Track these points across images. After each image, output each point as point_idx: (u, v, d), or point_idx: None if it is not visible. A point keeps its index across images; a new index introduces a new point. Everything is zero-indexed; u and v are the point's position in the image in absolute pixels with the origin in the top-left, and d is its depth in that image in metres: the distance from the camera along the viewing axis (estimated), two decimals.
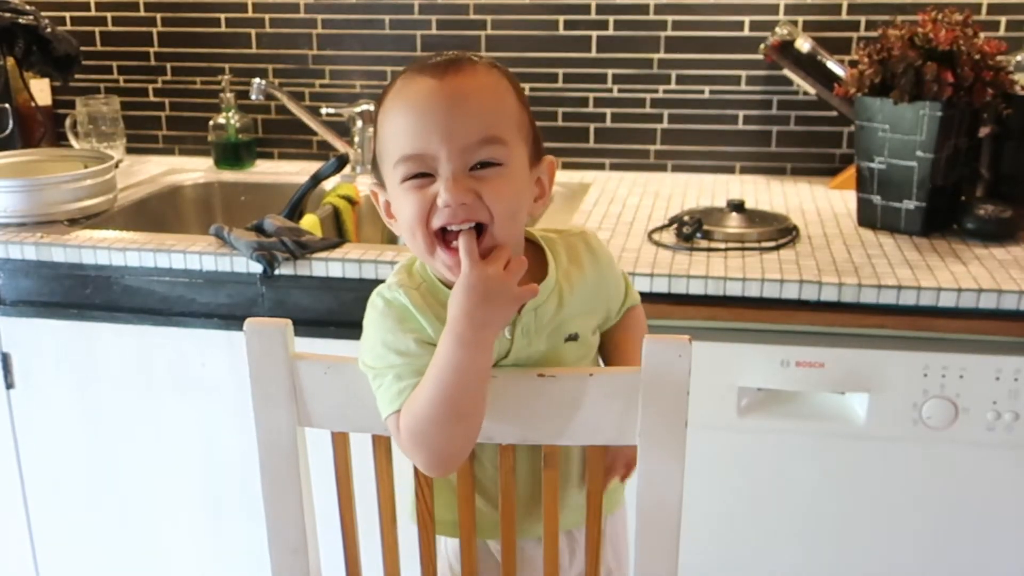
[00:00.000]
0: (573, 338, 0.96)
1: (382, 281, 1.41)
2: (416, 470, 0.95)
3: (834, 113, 1.85)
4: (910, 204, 1.51)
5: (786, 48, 1.79)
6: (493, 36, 1.95)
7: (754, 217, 1.55)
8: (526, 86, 1.94)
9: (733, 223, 1.52)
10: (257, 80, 1.93)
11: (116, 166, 1.77)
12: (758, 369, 1.35)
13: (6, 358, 1.60)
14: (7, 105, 1.90)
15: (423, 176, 0.86)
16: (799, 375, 1.35)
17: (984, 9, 1.78)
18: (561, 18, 1.92)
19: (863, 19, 1.82)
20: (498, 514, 0.96)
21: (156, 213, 1.88)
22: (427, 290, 0.93)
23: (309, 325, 1.45)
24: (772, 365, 1.35)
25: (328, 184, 1.86)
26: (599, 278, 0.99)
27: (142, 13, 2.07)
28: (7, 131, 1.90)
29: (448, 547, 1.04)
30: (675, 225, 1.50)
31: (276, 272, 1.44)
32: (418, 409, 0.87)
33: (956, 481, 1.38)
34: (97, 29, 2.10)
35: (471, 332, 0.84)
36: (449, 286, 0.91)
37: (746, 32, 1.86)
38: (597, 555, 0.96)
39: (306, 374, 0.94)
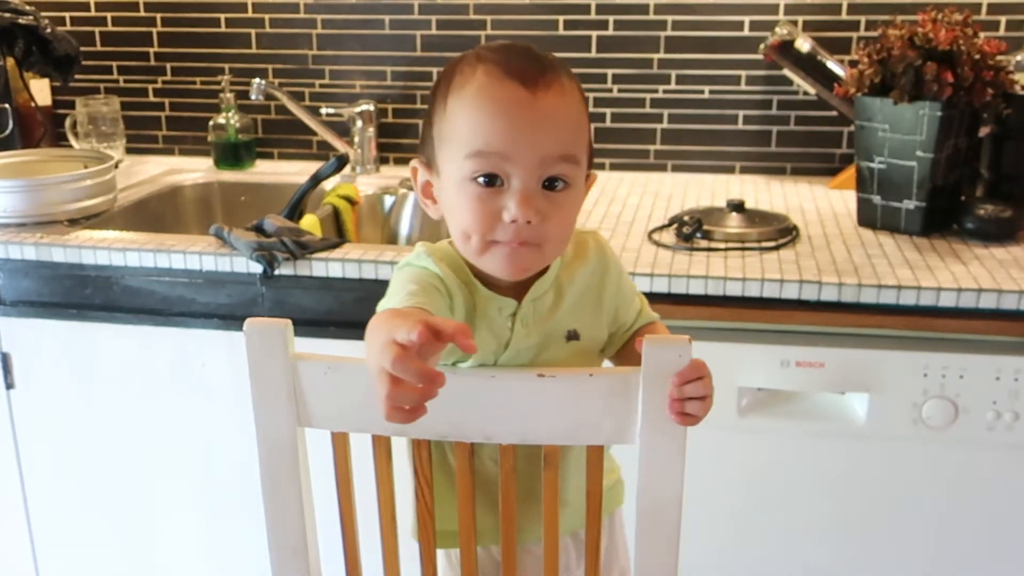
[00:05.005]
0: (574, 336, 0.96)
1: (382, 281, 1.42)
2: (417, 475, 0.95)
3: (834, 113, 1.85)
4: (910, 204, 1.51)
5: (786, 48, 1.79)
6: (493, 36, 1.95)
7: (754, 217, 1.55)
8: None
9: (733, 223, 1.52)
10: (257, 80, 1.93)
11: (116, 166, 1.77)
12: (758, 369, 1.35)
13: (6, 358, 1.60)
14: (7, 105, 1.90)
15: (491, 179, 0.86)
16: (799, 375, 1.35)
17: (984, 9, 1.78)
18: (561, 18, 1.92)
19: (863, 19, 1.82)
20: (495, 518, 0.95)
21: (156, 213, 1.88)
22: (447, 265, 0.93)
23: (309, 325, 1.45)
24: (772, 365, 1.35)
25: (328, 184, 1.86)
26: (603, 276, 1.00)
27: (142, 13, 2.07)
28: (7, 131, 1.90)
29: (450, 559, 1.04)
30: (675, 225, 1.50)
31: (276, 272, 1.44)
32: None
33: (956, 481, 1.38)
34: (97, 29, 2.10)
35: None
36: (470, 266, 0.93)
37: (746, 32, 1.86)
38: (597, 555, 0.96)
39: (306, 374, 0.94)
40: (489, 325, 0.94)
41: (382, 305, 0.88)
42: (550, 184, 0.87)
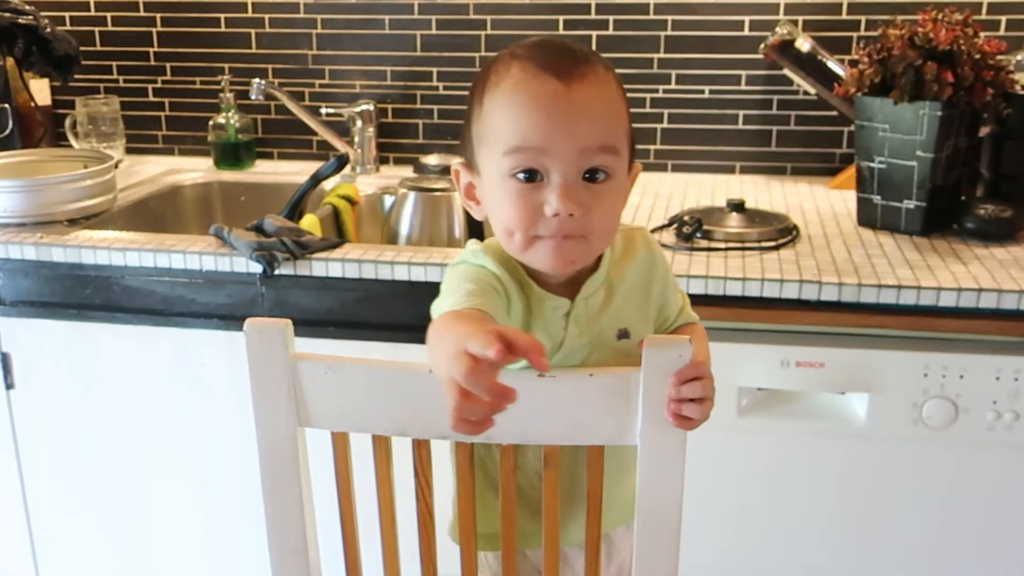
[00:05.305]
0: (625, 335, 0.96)
1: (382, 281, 1.42)
2: (418, 476, 0.95)
3: (834, 113, 1.85)
4: (910, 204, 1.51)
5: (786, 48, 1.79)
6: (493, 36, 1.95)
7: (754, 217, 1.55)
8: None
9: (733, 223, 1.52)
10: (257, 80, 1.93)
11: (116, 166, 1.77)
12: (758, 369, 1.35)
13: (6, 358, 1.60)
14: (7, 105, 1.90)
15: (530, 174, 0.86)
16: (799, 375, 1.35)
17: (984, 9, 1.78)
18: (561, 18, 1.92)
19: (863, 19, 1.82)
20: (539, 522, 0.95)
21: (156, 213, 1.88)
22: (503, 265, 0.93)
23: (309, 325, 1.45)
24: (772, 365, 1.35)
25: (328, 184, 1.86)
26: (651, 273, 1.00)
27: (142, 13, 2.07)
28: (7, 131, 1.90)
29: (488, 561, 1.04)
30: (675, 225, 1.50)
31: (276, 272, 1.44)
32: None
33: (956, 481, 1.38)
34: (97, 29, 2.10)
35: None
36: (524, 267, 0.93)
37: (746, 32, 1.86)
38: (597, 555, 0.96)
39: (306, 374, 0.94)
40: (544, 325, 0.93)
41: (439, 304, 0.88)
42: (591, 176, 0.87)
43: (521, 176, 0.86)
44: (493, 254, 0.92)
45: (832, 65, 1.77)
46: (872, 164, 1.54)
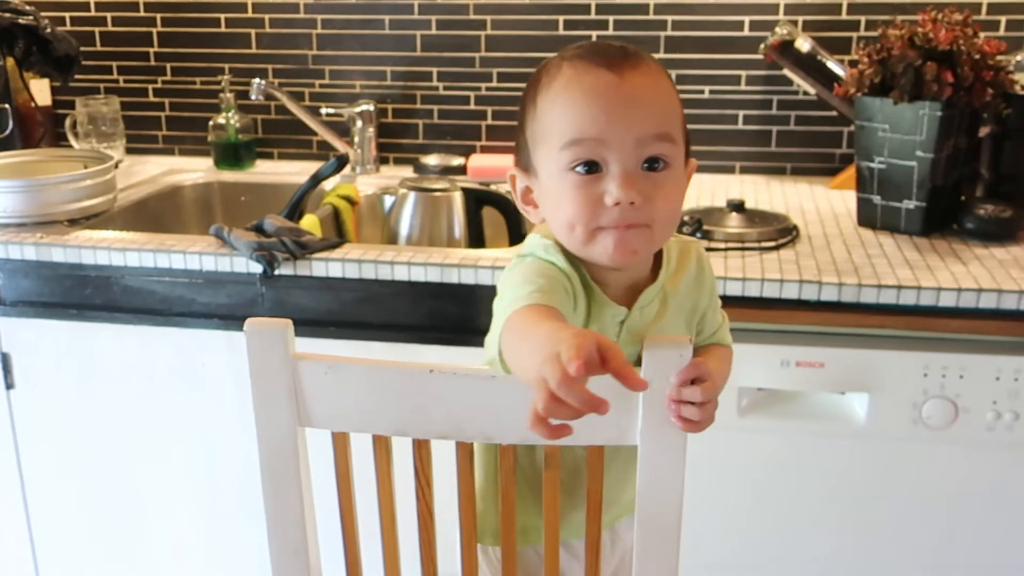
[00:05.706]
0: None
1: (382, 281, 1.42)
2: (418, 475, 0.95)
3: (834, 113, 1.85)
4: (910, 204, 1.51)
5: (786, 48, 1.79)
6: (493, 36, 1.95)
7: (754, 217, 1.55)
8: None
9: (733, 223, 1.52)
10: (257, 80, 1.93)
11: (116, 166, 1.77)
12: (758, 369, 1.35)
13: (6, 358, 1.60)
14: (7, 105, 1.90)
15: (590, 166, 0.86)
16: (799, 375, 1.35)
17: (984, 9, 1.78)
18: (561, 18, 1.92)
19: (863, 19, 1.82)
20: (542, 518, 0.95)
21: (156, 213, 1.88)
22: (569, 262, 0.93)
23: (309, 325, 1.45)
24: (772, 365, 1.35)
25: (328, 184, 1.86)
26: (699, 287, 1.00)
27: (142, 13, 2.07)
28: (7, 131, 1.90)
29: (494, 556, 1.05)
30: None
31: (276, 272, 1.44)
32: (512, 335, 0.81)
33: (956, 481, 1.38)
34: (97, 29, 2.10)
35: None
36: (585, 264, 0.92)
37: (746, 32, 1.86)
38: (597, 554, 0.96)
39: (306, 374, 0.94)
40: (600, 330, 0.93)
41: (508, 296, 0.86)
42: (650, 165, 0.87)
43: (580, 169, 0.86)
44: (562, 251, 0.92)
45: (832, 65, 1.77)
46: (872, 164, 1.54)
